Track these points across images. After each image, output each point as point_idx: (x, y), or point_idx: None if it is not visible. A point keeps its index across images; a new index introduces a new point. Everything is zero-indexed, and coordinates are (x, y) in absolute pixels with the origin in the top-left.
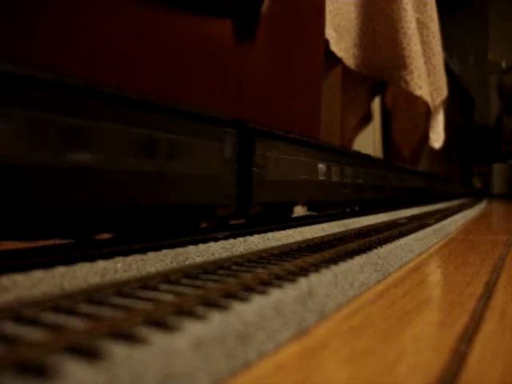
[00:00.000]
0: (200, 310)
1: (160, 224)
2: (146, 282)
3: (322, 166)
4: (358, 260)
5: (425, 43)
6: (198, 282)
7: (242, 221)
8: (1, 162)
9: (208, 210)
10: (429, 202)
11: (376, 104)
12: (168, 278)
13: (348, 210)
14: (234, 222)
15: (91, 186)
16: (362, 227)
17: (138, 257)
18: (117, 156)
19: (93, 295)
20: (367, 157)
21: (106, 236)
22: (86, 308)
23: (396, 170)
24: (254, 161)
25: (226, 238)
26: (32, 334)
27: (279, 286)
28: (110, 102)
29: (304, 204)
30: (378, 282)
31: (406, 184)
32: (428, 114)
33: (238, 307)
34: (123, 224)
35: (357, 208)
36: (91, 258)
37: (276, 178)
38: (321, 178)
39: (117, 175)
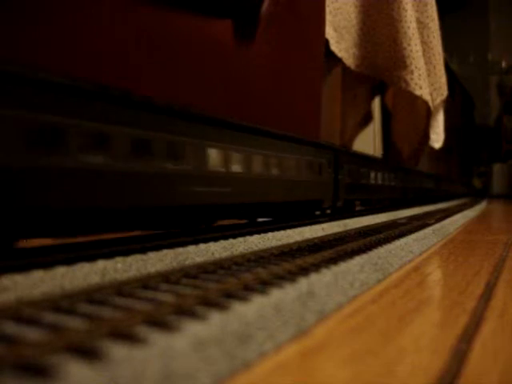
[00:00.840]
0: (200, 310)
1: (290, 213)
2: (146, 282)
3: (374, 174)
4: (358, 260)
5: (425, 43)
6: (198, 282)
7: (243, 221)
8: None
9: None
10: (432, 201)
11: (376, 104)
12: (168, 277)
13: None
14: (234, 222)
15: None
16: (362, 227)
17: (138, 257)
18: (264, 169)
19: (93, 295)
20: (400, 166)
21: (106, 236)
22: (85, 308)
23: (412, 174)
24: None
25: (225, 238)
26: (32, 334)
27: (279, 286)
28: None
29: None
30: (378, 281)
31: (422, 185)
32: (428, 114)
33: (238, 307)
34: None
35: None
36: (91, 258)
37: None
38: (373, 182)
39: (263, 181)
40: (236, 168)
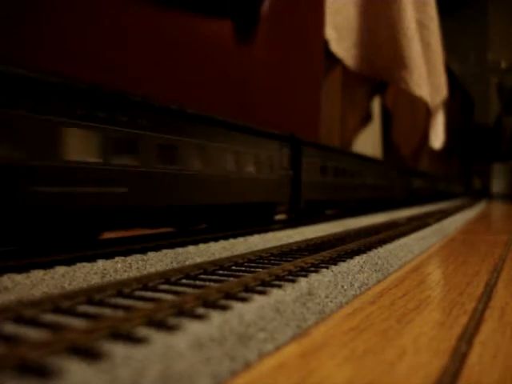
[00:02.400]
0: (200, 310)
1: (244, 216)
2: (146, 282)
3: (351, 171)
4: (358, 260)
5: (425, 43)
6: (198, 282)
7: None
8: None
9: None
10: (431, 201)
11: (376, 104)
12: (168, 278)
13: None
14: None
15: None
16: (362, 227)
17: (138, 257)
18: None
19: (93, 295)
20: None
21: (106, 236)
22: (86, 308)
23: (400, 171)
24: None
25: (225, 238)
26: (32, 334)
27: (279, 286)
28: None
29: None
30: (378, 282)
31: (413, 184)
32: (428, 114)
33: (238, 307)
34: (218, 217)
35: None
36: (91, 258)
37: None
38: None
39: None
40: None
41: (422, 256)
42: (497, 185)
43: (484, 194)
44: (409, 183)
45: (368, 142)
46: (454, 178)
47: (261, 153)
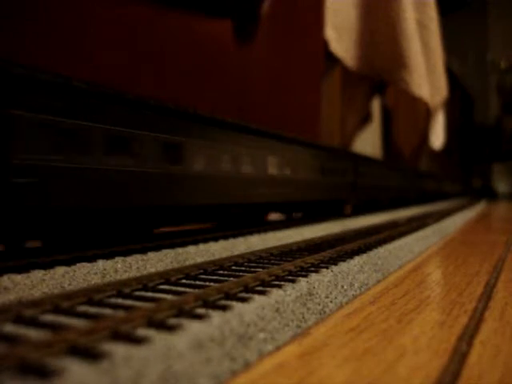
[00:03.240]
0: (200, 310)
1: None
2: (146, 282)
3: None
4: (358, 260)
5: (425, 43)
6: (198, 282)
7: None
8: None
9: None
10: (431, 201)
11: (376, 104)
12: (168, 278)
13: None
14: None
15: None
16: (362, 227)
17: (138, 257)
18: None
19: (93, 295)
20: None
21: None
22: (86, 308)
23: (430, 177)
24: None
25: (225, 238)
26: (32, 334)
27: (279, 287)
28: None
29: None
30: (378, 282)
31: (435, 186)
32: (428, 114)
33: (238, 307)
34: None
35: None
36: (91, 258)
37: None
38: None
39: (306, 183)
40: None
41: (421, 256)
42: (497, 185)
43: (484, 193)
44: (421, 184)
45: (368, 142)
46: (455, 178)
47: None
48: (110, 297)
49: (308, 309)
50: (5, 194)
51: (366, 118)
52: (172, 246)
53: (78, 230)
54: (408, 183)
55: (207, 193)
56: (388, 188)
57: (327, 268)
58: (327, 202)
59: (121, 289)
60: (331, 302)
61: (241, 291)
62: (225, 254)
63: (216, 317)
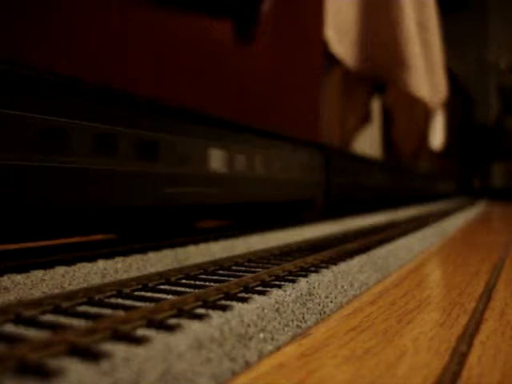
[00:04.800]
0: (200, 310)
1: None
2: (146, 282)
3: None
4: (358, 260)
5: (424, 44)
6: (198, 282)
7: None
8: None
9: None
10: (431, 201)
11: (376, 104)
12: (168, 278)
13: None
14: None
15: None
16: (362, 227)
17: (138, 257)
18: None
19: (93, 295)
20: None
21: (107, 236)
22: (86, 308)
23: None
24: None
25: (225, 238)
26: (32, 334)
27: (279, 287)
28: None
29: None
30: (378, 282)
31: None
32: (427, 114)
33: (238, 307)
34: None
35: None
36: (91, 258)
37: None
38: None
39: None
40: None
41: (421, 256)
42: (497, 185)
43: (484, 193)
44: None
45: (368, 142)
46: (454, 177)
47: None
48: (109, 297)
49: (308, 309)
50: None
51: (365, 118)
52: (172, 246)
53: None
54: (395, 182)
55: None
56: (369, 187)
57: (327, 268)
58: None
59: (121, 289)
60: (331, 302)
61: (241, 291)
62: (225, 254)
63: (216, 317)
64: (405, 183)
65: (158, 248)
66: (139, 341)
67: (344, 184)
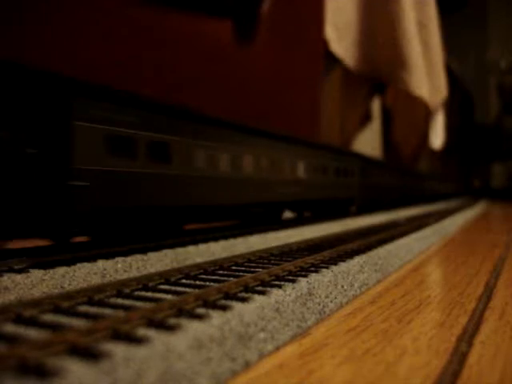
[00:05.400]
0: (200, 310)
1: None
2: (146, 282)
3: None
4: (358, 260)
5: (424, 43)
6: (198, 282)
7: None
8: None
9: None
10: (430, 201)
11: (376, 104)
12: (168, 278)
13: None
14: (234, 222)
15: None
16: (362, 227)
17: (138, 257)
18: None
19: (93, 295)
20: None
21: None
22: (86, 308)
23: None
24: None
25: (225, 238)
26: (32, 334)
27: (279, 287)
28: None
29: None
30: (378, 282)
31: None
32: (427, 114)
33: (238, 307)
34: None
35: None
36: (91, 258)
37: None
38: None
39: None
40: None
41: (421, 256)
42: (496, 185)
43: (484, 193)
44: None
45: (368, 142)
46: (454, 177)
47: None
48: (109, 297)
49: (308, 309)
50: None
51: (365, 118)
52: (172, 245)
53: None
54: (406, 183)
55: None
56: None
57: (327, 268)
58: None
59: (121, 289)
60: (331, 301)
61: (241, 291)
62: (225, 254)
63: (216, 317)
64: (412, 184)
65: (158, 248)
66: (139, 341)
67: (371, 186)
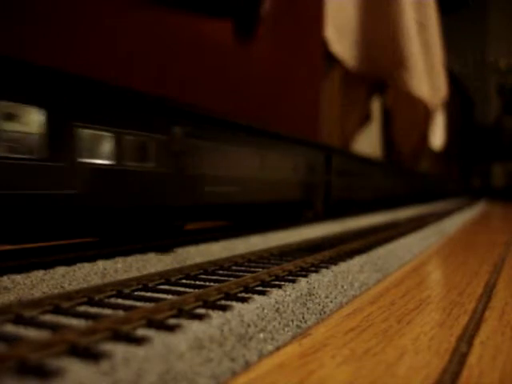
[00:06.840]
0: (200, 310)
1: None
2: (146, 282)
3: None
4: (358, 260)
5: (424, 44)
6: (198, 282)
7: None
8: None
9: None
10: (430, 200)
11: (376, 104)
12: (168, 278)
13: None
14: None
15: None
16: (362, 227)
17: (138, 257)
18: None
19: (93, 295)
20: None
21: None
22: (86, 308)
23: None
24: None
25: (225, 238)
26: (32, 334)
27: (279, 287)
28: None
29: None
30: (378, 281)
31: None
32: (427, 114)
33: (238, 307)
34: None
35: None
36: (91, 258)
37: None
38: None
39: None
40: None
41: (421, 256)
42: (496, 185)
43: (483, 193)
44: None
45: (368, 142)
46: (454, 177)
47: None
48: (109, 297)
49: (308, 309)
50: None
51: (365, 118)
52: (172, 245)
53: None
54: (397, 182)
55: None
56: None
57: (327, 268)
58: None
59: (121, 289)
60: (331, 301)
61: (241, 291)
62: (225, 254)
63: (216, 317)
64: (406, 183)
65: (157, 248)
66: (139, 341)
67: (343, 184)
